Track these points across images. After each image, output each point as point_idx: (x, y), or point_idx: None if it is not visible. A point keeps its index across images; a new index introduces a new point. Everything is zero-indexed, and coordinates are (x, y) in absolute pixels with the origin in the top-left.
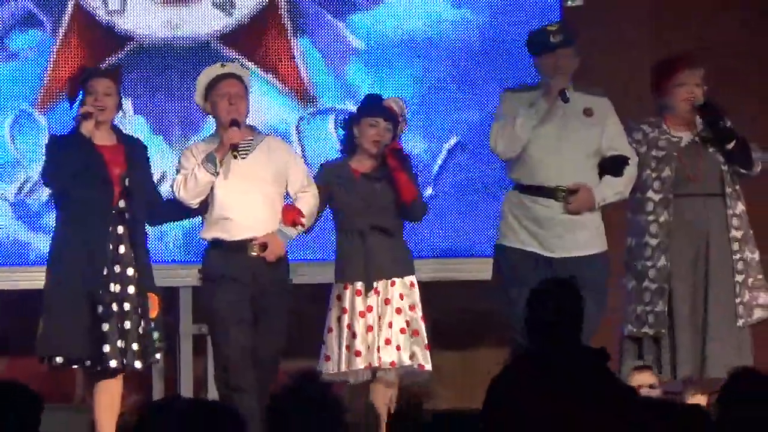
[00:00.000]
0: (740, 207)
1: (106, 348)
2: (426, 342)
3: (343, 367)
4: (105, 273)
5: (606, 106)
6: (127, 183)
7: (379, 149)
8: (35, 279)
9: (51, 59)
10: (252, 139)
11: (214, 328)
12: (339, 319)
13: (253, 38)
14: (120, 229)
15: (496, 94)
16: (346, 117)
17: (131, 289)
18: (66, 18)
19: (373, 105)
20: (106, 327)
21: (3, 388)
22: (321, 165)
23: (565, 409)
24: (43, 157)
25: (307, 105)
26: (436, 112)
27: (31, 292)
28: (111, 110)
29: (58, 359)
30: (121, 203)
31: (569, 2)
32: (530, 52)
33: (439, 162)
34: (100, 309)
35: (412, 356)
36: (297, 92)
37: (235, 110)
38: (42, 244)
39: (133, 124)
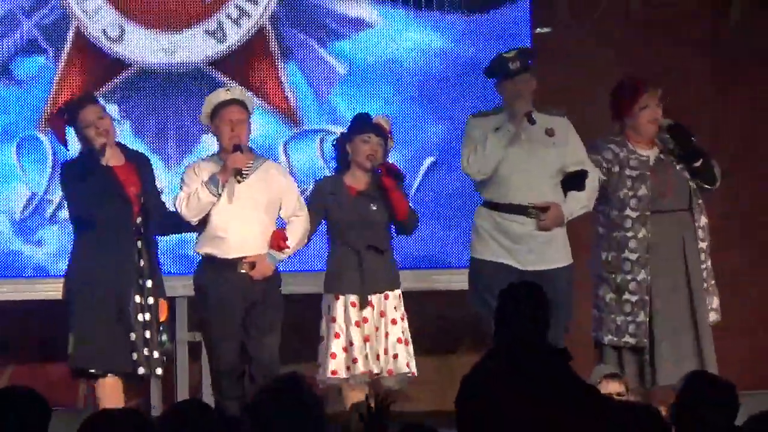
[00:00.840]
0: (704, 220)
1: (135, 356)
2: (412, 350)
3: (343, 374)
4: (131, 286)
5: (566, 125)
6: (143, 201)
7: (373, 164)
8: (33, 291)
9: (54, 84)
10: (252, 163)
11: (206, 341)
12: (329, 328)
13: (242, 63)
14: (139, 244)
15: (470, 114)
16: (339, 136)
17: (150, 300)
18: (67, 45)
19: (364, 122)
20: (133, 336)
21: (11, 394)
22: (316, 181)
23: (531, 406)
24: (63, 188)
25: (293, 126)
26: (412, 132)
27: (30, 302)
28: (112, 130)
29: (92, 371)
30: (139, 220)
31: (539, 30)
32: (489, 77)
33: (418, 179)
34: (128, 320)
35: (407, 364)
36: (284, 114)
37: (236, 136)
38: (38, 256)
39: (132, 145)
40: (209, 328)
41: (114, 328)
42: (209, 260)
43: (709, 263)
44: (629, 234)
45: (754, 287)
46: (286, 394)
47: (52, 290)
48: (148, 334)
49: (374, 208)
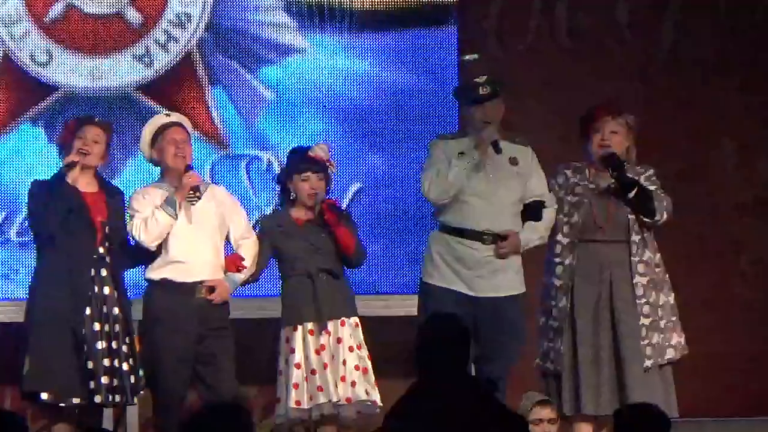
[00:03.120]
0: (648, 254)
1: (92, 385)
2: (373, 379)
3: (305, 404)
4: (89, 312)
5: (529, 155)
6: (107, 230)
7: (315, 201)
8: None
9: None
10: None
11: (155, 368)
12: (287, 361)
13: (170, 88)
14: (103, 272)
15: (394, 142)
16: (279, 174)
17: (117, 328)
18: None
19: (300, 159)
20: (91, 365)
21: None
22: (260, 218)
23: None
24: (28, 203)
25: (220, 150)
26: (339, 157)
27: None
28: (96, 157)
29: (44, 395)
30: (102, 249)
31: (467, 57)
32: (459, 101)
33: (344, 205)
34: (85, 348)
35: (366, 392)
36: (211, 138)
37: (181, 157)
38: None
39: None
40: (159, 352)
41: (69, 355)
42: (164, 285)
43: (662, 297)
44: (557, 260)
45: None
46: (226, 415)
47: None
48: (107, 362)
49: (323, 235)
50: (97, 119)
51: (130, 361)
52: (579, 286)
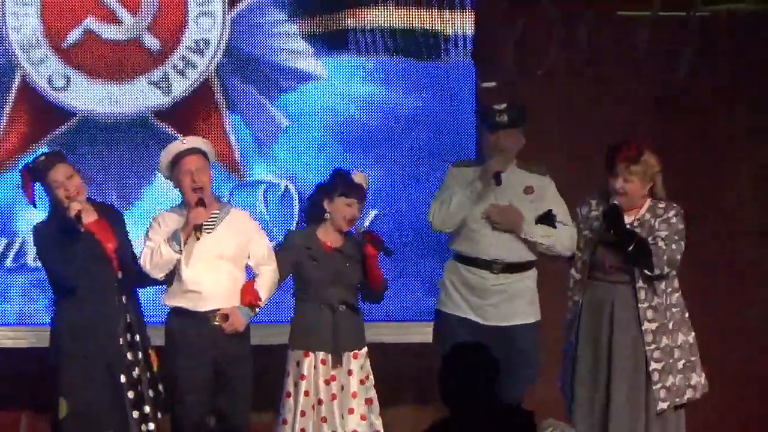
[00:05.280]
0: (657, 300)
1: (135, 414)
2: (378, 408)
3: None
4: (120, 343)
5: (546, 184)
6: (119, 255)
7: (357, 230)
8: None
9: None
10: (218, 212)
11: (172, 392)
12: (296, 385)
13: (187, 114)
14: (123, 299)
15: (412, 168)
16: (317, 190)
17: (140, 355)
18: (12, 93)
19: (348, 184)
20: (131, 394)
21: None
22: (288, 233)
23: None
24: (39, 254)
25: (236, 177)
26: None
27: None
28: (82, 189)
29: None
30: (119, 275)
31: (484, 84)
32: (479, 125)
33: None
34: (123, 378)
35: (371, 425)
36: (228, 165)
37: (200, 188)
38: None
39: None
40: (177, 381)
41: (105, 391)
42: (179, 313)
43: (684, 339)
44: (570, 294)
45: None
46: None
47: None
48: (139, 389)
49: (348, 265)
50: (50, 155)
51: (153, 382)
52: (584, 323)
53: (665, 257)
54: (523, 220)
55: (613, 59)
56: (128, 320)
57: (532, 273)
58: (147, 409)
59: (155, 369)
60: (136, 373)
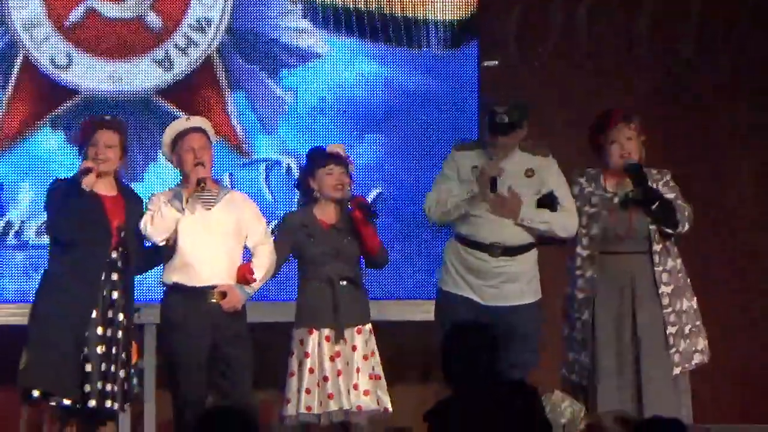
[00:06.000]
0: (671, 263)
1: (87, 388)
2: (385, 384)
3: (316, 410)
4: (94, 315)
5: (548, 164)
6: (122, 234)
7: (344, 194)
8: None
9: (2, 111)
10: (218, 192)
11: (172, 371)
12: (301, 363)
13: (189, 93)
14: (114, 276)
15: (414, 147)
16: (300, 174)
17: (120, 334)
18: (15, 72)
19: (321, 155)
20: (89, 368)
21: None
22: (285, 215)
23: None
24: (46, 203)
25: (239, 155)
26: (359, 163)
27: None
28: (113, 162)
29: (35, 393)
30: (114, 253)
31: (486, 63)
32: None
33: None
34: (85, 350)
35: (378, 401)
36: (230, 143)
37: (201, 165)
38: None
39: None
40: (176, 358)
41: (67, 354)
42: (177, 289)
43: (685, 303)
44: (578, 272)
45: None
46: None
47: None
48: (112, 368)
49: (347, 240)
50: (108, 119)
51: (127, 368)
52: (601, 298)
53: (686, 213)
54: (522, 207)
55: (616, 43)
56: (114, 297)
57: (533, 254)
58: (109, 387)
59: (134, 361)
60: (104, 350)
